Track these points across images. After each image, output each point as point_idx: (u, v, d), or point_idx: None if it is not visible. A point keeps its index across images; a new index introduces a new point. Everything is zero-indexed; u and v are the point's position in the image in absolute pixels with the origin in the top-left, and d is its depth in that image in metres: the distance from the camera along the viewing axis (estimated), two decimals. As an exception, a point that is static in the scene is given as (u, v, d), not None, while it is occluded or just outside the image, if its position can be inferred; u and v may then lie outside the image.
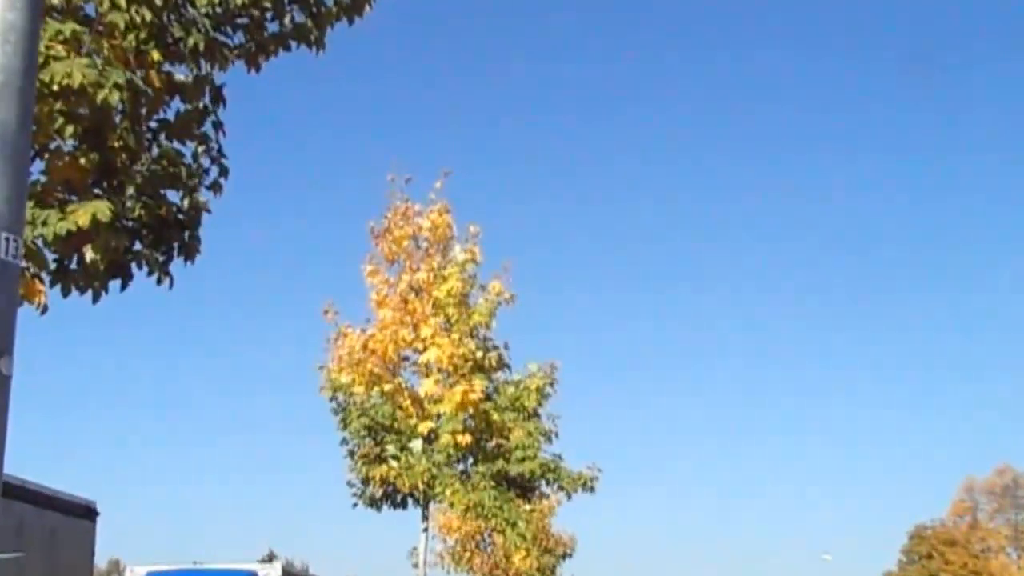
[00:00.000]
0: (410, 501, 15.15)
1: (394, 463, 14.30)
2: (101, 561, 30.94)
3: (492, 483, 14.69)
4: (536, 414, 15.47)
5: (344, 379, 14.67)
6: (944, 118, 69.09)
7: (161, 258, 5.40)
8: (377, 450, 14.75)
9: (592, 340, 69.31)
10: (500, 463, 14.99)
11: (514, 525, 14.28)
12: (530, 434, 14.98)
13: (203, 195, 5.54)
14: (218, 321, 69.50)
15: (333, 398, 15.11)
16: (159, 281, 5.41)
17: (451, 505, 14.24)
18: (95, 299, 5.16)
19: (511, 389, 15.44)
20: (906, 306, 67.88)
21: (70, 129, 4.91)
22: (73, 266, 5.08)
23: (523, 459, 14.81)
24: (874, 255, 67.61)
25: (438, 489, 14.19)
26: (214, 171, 5.66)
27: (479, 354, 15.16)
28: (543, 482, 15.17)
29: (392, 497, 15.03)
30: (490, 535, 18.80)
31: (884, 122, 70.94)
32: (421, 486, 14.06)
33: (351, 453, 15.20)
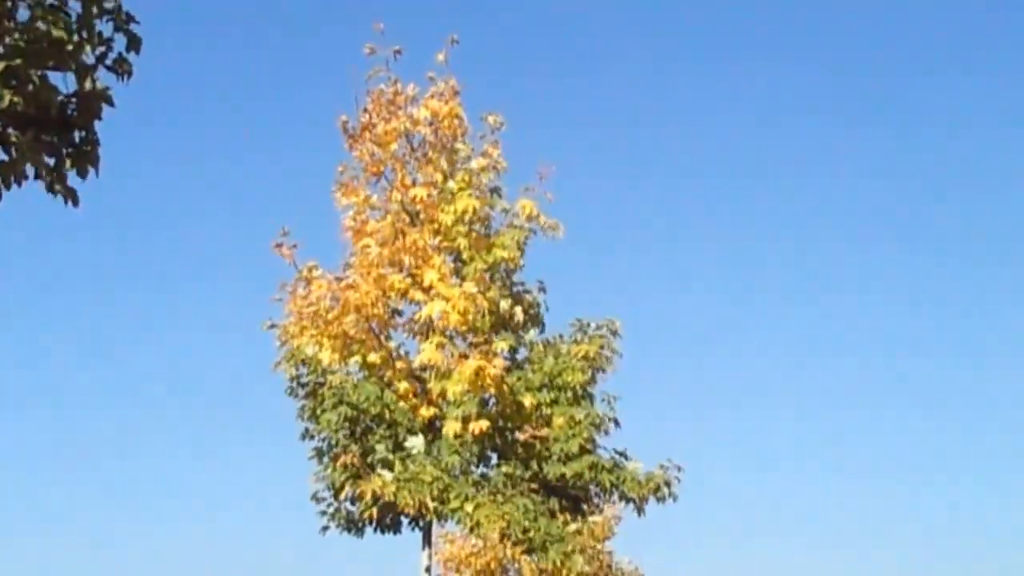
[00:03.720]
0: (405, 521, 15.12)
1: (387, 473, 14.01)
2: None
3: (527, 489, 14.35)
4: (586, 395, 15.15)
5: (308, 347, 14.47)
6: None
7: (50, 160, 5.34)
8: (358, 449, 14.59)
9: (673, 291, 68.69)
10: (533, 464, 14.78)
11: (557, 542, 14.12)
12: (577, 422, 14.68)
13: (102, 79, 5.64)
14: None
15: (295, 377, 15.01)
16: (52, 190, 5.34)
17: (476, 526, 13.87)
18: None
19: (550, 359, 15.13)
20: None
21: None
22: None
23: (567, 457, 14.56)
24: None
25: (453, 504, 13.90)
26: (118, 43, 5.63)
27: (503, 305, 14.94)
28: (596, 489, 14.96)
29: (381, 518, 14.88)
30: (517, 568, 18.92)
31: None
32: (430, 503, 13.81)
33: (319, 453, 15.10)
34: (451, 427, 14.21)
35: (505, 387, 14.60)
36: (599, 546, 19.15)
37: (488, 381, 14.12)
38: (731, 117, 71.87)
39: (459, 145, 15.55)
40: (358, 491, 14.02)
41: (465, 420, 14.17)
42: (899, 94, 68.72)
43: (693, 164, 71.05)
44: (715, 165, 71.07)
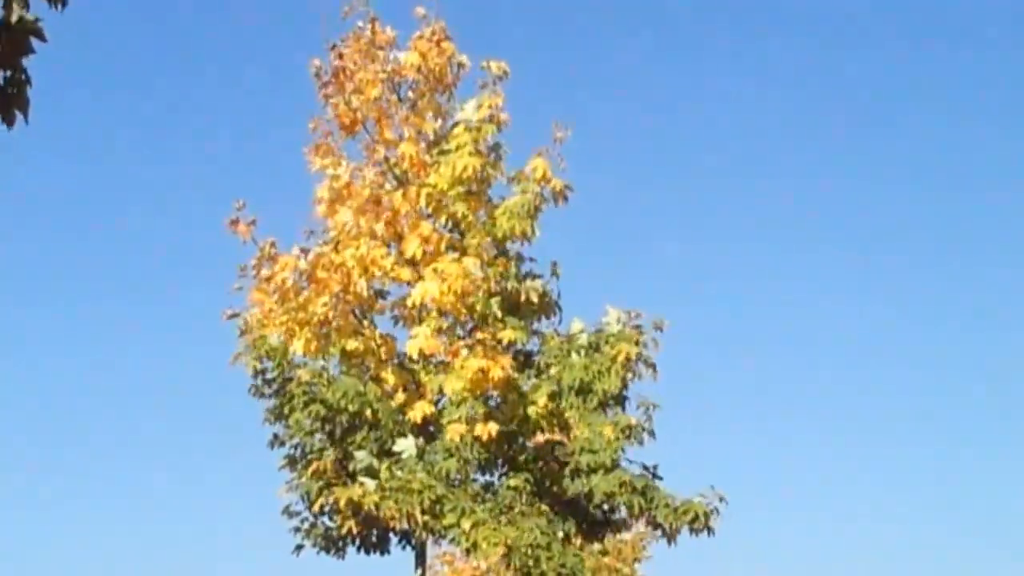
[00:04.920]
0: (394, 539, 14.93)
1: (370, 481, 13.78)
2: None
3: (538, 509, 14.12)
4: (616, 399, 14.84)
5: (272, 336, 14.30)
6: None
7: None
8: (336, 455, 14.39)
9: (722, 281, 67.59)
10: (549, 479, 14.56)
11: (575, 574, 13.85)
12: (601, 433, 14.42)
13: (32, 8, 5.71)
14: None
15: (259, 372, 14.66)
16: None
17: (473, 547, 13.69)
18: None
19: (574, 359, 14.78)
20: None
21: None
22: None
23: (589, 471, 14.31)
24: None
25: (448, 520, 13.69)
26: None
27: (509, 286, 14.74)
28: (623, 511, 14.68)
29: (365, 535, 14.62)
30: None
31: None
32: (419, 516, 13.62)
33: (290, 461, 14.85)
34: (453, 430, 13.91)
35: (514, 391, 14.40)
36: (627, 570, 18.53)
37: (493, 384, 13.96)
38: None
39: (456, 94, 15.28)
40: (333, 500, 13.78)
41: (470, 422, 13.89)
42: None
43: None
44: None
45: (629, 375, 14.81)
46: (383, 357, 14.69)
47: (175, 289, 59.62)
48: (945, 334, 63.00)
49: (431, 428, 14.56)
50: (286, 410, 14.52)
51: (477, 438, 13.90)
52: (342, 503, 13.67)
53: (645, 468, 14.88)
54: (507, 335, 14.48)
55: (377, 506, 13.58)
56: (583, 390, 14.60)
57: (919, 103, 66.35)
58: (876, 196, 66.62)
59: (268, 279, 14.16)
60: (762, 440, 58.07)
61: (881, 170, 66.82)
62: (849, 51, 66.89)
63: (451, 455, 14.04)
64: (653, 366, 14.89)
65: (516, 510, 14.03)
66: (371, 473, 14.04)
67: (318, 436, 14.68)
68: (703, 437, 48.47)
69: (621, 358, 14.62)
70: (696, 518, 14.41)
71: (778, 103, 66.74)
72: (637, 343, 14.78)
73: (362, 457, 14.20)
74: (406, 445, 14.27)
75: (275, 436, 15.00)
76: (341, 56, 14.89)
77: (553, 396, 14.58)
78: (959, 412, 59.79)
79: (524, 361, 14.92)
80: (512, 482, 14.31)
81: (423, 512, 13.64)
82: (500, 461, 14.76)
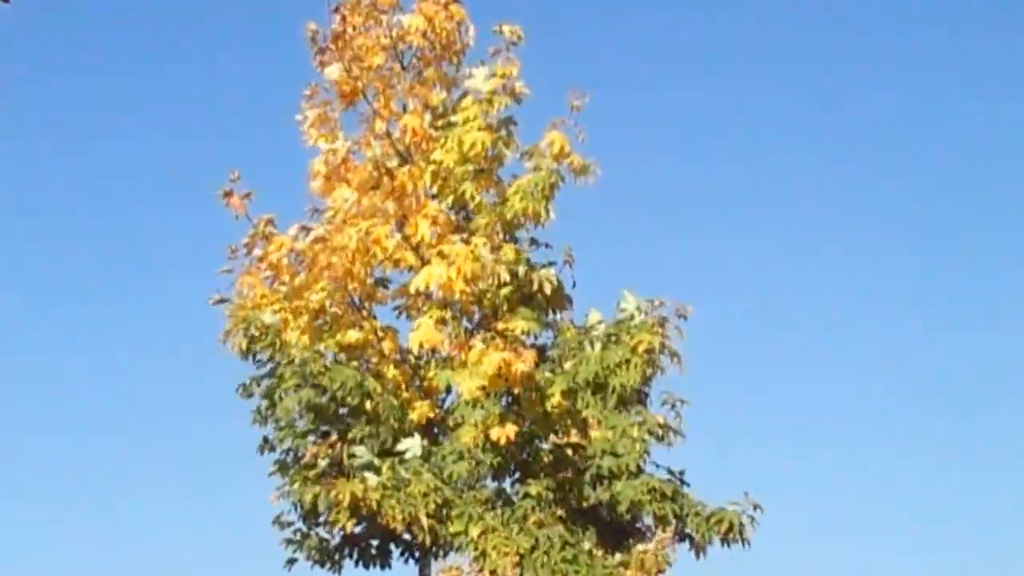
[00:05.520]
0: (395, 550, 14.23)
1: (372, 477, 13.19)
2: None
3: (555, 516, 13.54)
4: (637, 395, 14.13)
5: (267, 316, 13.64)
6: None
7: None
8: (328, 454, 13.64)
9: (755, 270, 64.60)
10: (568, 485, 13.92)
11: None
12: (624, 433, 13.68)
13: None
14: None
15: (250, 351, 13.88)
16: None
17: (481, 556, 13.21)
18: None
19: (589, 350, 14.04)
20: None
21: None
22: None
23: (612, 476, 13.63)
24: None
25: (455, 527, 13.17)
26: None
27: (521, 272, 14.04)
28: (650, 520, 14.07)
29: (364, 544, 14.06)
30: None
31: None
32: (424, 520, 13.04)
33: (281, 466, 14.09)
34: (467, 434, 13.15)
35: (534, 389, 13.62)
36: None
37: (515, 379, 13.18)
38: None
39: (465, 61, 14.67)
40: (335, 495, 13.03)
41: (485, 424, 13.13)
42: None
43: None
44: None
45: (650, 369, 13.90)
46: (384, 352, 14.06)
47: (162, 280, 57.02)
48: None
49: (435, 429, 13.91)
50: (275, 396, 13.68)
51: (493, 442, 13.18)
52: (344, 498, 12.94)
53: (671, 472, 14.02)
54: (519, 326, 13.71)
55: (379, 505, 12.92)
56: (599, 386, 13.74)
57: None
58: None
59: (261, 259, 13.64)
60: (793, 441, 55.99)
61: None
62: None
63: (462, 458, 13.30)
64: (677, 356, 13.93)
65: (532, 520, 13.32)
66: (372, 470, 13.37)
67: (311, 439, 13.90)
68: (728, 437, 46.64)
69: (641, 349, 13.71)
70: (730, 528, 13.54)
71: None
72: (659, 332, 13.86)
73: (361, 453, 13.43)
74: (411, 444, 13.51)
75: (265, 440, 14.16)
76: (344, 19, 14.23)
77: (567, 393, 13.77)
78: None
79: (538, 356, 14.03)
80: (531, 489, 13.56)
81: (428, 516, 13.01)
82: (514, 467, 14.01)
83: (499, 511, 13.41)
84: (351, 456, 13.46)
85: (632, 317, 14.13)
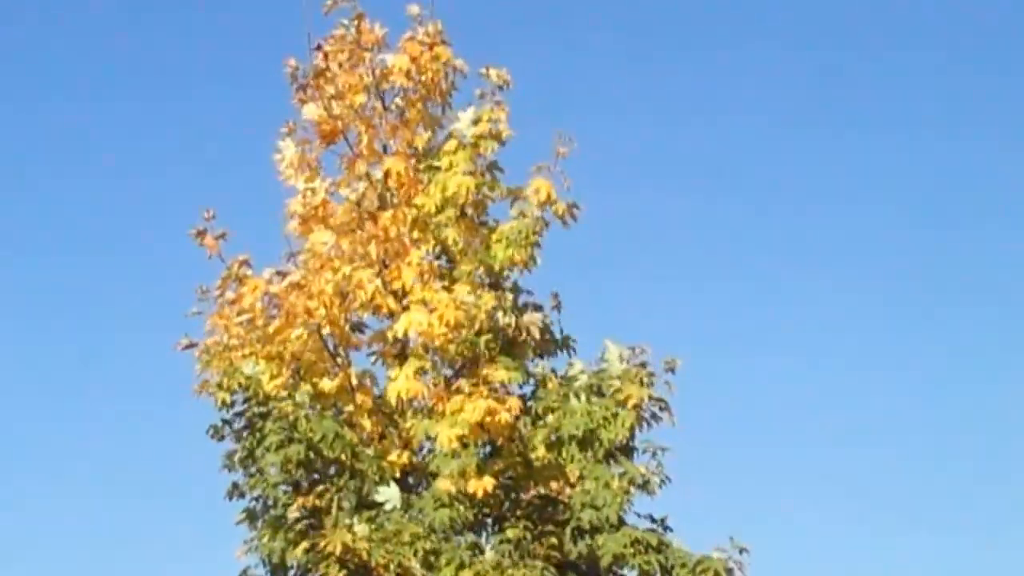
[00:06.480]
0: None
1: (361, 526, 12.91)
2: None
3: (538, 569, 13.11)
4: (624, 449, 13.82)
5: (247, 367, 13.33)
6: None
7: None
8: (304, 506, 13.33)
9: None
10: (546, 537, 13.47)
11: None
12: (606, 485, 13.40)
13: None
14: None
15: (228, 406, 13.55)
16: None
17: None
18: None
19: (574, 403, 13.73)
20: None
21: None
22: None
23: (592, 529, 13.31)
24: None
25: (445, 572, 12.89)
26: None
27: (505, 321, 13.71)
28: (635, 573, 13.51)
29: None
30: None
31: None
32: (417, 568, 12.77)
33: (250, 515, 13.71)
34: (443, 485, 12.84)
35: (516, 439, 13.45)
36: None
37: (498, 428, 13.02)
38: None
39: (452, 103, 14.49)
40: (324, 546, 12.71)
41: (462, 476, 12.86)
42: None
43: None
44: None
45: (638, 425, 13.68)
46: (358, 401, 13.73)
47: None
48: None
49: (409, 479, 13.62)
50: (257, 451, 13.38)
51: (470, 495, 12.90)
52: (334, 548, 12.64)
53: (653, 521, 13.79)
54: (500, 376, 13.36)
55: (369, 555, 12.66)
56: (587, 440, 13.45)
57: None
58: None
59: (233, 302, 13.22)
60: (779, 481, 55.38)
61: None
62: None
63: (444, 505, 13.02)
64: (669, 409, 13.74)
65: (521, 563, 13.02)
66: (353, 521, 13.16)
67: (283, 488, 13.56)
68: (710, 481, 46.17)
69: (631, 405, 13.50)
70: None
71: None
72: (647, 385, 13.67)
73: (347, 507, 13.29)
74: (389, 494, 13.20)
75: (234, 485, 13.78)
76: (326, 56, 14.03)
77: (551, 447, 13.50)
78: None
79: (520, 407, 13.69)
80: (509, 534, 13.23)
81: (420, 565, 12.82)
82: (491, 518, 13.73)
83: (486, 555, 13.19)
84: (340, 508, 13.20)
85: (615, 367, 13.96)
